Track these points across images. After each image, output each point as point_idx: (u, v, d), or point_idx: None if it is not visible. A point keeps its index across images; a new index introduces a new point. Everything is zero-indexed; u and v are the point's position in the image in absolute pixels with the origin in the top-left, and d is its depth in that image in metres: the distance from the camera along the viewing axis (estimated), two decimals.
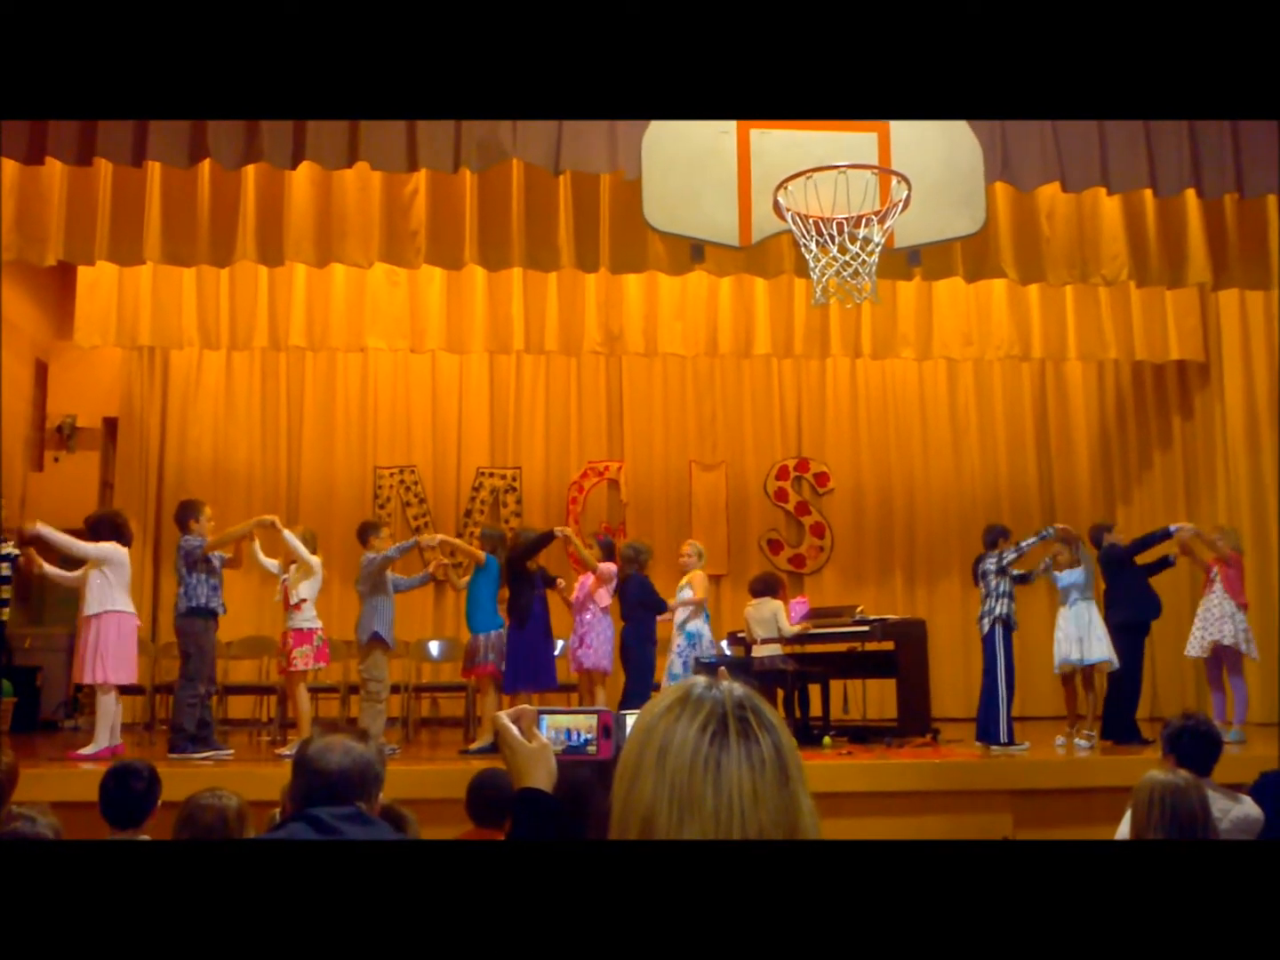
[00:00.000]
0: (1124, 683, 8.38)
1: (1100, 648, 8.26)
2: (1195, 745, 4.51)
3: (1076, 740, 8.08)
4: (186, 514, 7.84)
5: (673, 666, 8.37)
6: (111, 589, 7.41)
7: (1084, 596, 8.40)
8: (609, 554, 8.72)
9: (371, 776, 2.55)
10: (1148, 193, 8.38)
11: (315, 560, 7.89)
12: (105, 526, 7.66)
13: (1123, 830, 4.25)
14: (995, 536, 8.38)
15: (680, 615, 8.54)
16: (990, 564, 8.16)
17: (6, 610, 7.84)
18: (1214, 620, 8.43)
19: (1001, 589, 8.05)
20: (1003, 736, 7.78)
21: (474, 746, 7.97)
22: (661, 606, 8.57)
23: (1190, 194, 8.37)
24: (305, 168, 7.82)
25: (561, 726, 1.93)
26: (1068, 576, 8.49)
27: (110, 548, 7.51)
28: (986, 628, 8.06)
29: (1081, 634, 8.29)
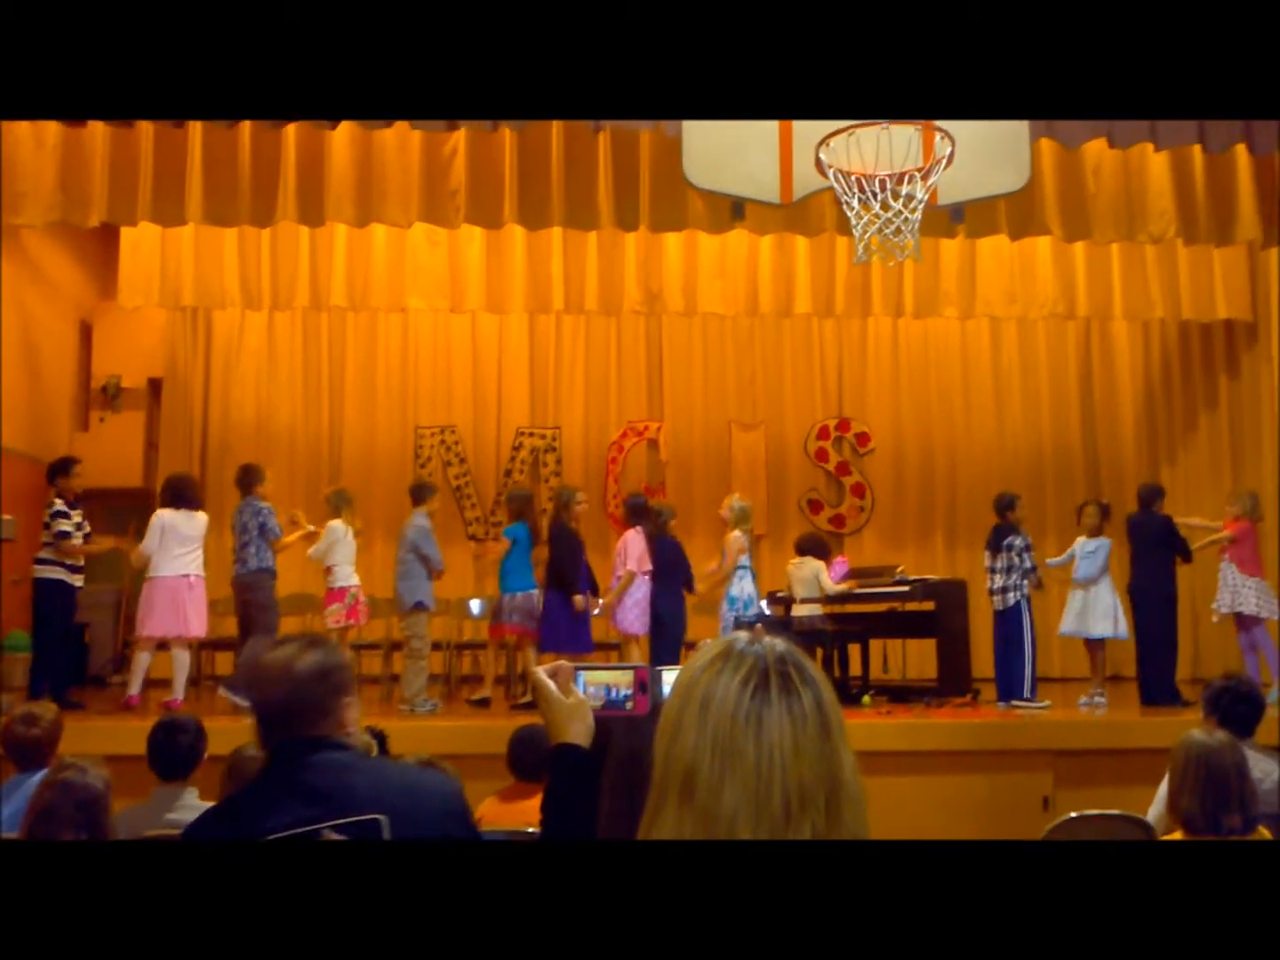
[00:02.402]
0: (1162, 648, 8.42)
1: (1106, 624, 8.48)
2: (1236, 707, 4.50)
3: (1095, 699, 8.27)
4: (252, 479, 8.11)
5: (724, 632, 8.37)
6: (157, 556, 7.72)
7: (1104, 570, 8.56)
8: (638, 514, 8.68)
9: (324, 691, 2.25)
10: (1196, 149, 8.25)
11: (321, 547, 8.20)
12: (163, 494, 8.02)
13: (1162, 790, 4.24)
14: (1005, 506, 8.64)
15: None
16: (1019, 542, 8.39)
17: (81, 575, 8.08)
18: (1226, 589, 8.58)
19: (1028, 564, 8.32)
20: (1027, 692, 8.09)
21: (524, 700, 8.08)
22: (690, 584, 8.59)
23: (1240, 149, 8.23)
24: (345, 127, 7.84)
25: (599, 682, 1.94)
26: (1091, 547, 8.62)
27: (156, 518, 7.80)
28: (1012, 601, 8.30)
29: (1100, 607, 8.49)
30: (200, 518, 7.92)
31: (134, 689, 7.70)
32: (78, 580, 8.03)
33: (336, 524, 8.20)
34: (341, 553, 8.16)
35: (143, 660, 7.80)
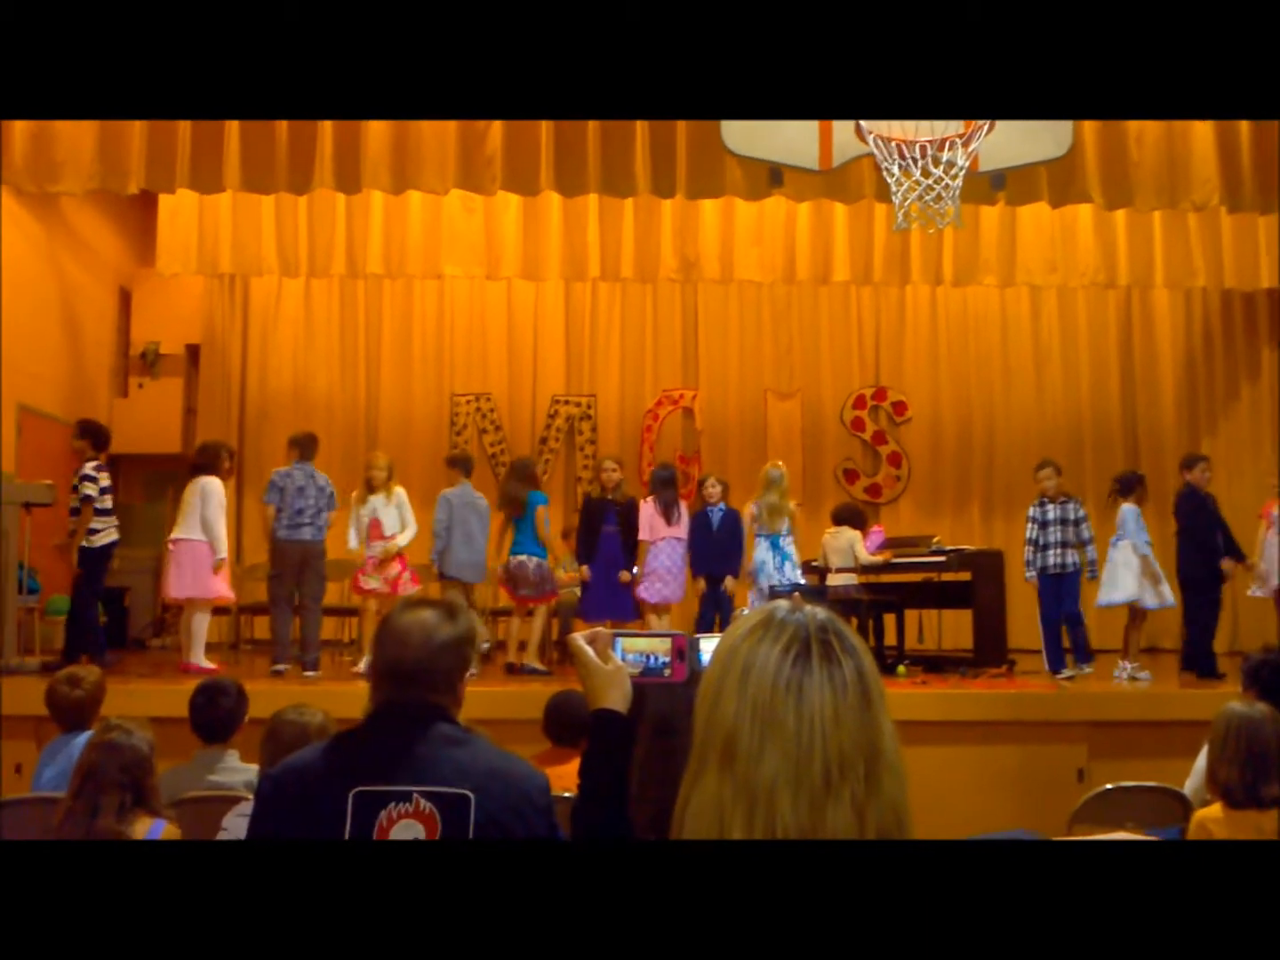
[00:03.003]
0: (1190, 621, 8.38)
1: (1121, 592, 8.32)
2: (1276, 679, 4.47)
3: (1138, 674, 8.17)
4: (318, 450, 8.29)
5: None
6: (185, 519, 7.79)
7: (1128, 537, 8.38)
8: (663, 485, 8.66)
9: (455, 662, 2.36)
10: None
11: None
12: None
13: (1199, 763, 4.23)
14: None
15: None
16: (1067, 513, 8.32)
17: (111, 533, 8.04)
18: (1271, 561, 8.42)
19: (1027, 535, 8.33)
20: (1045, 664, 8.14)
21: (523, 665, 8.18)
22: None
23: None
24: None
25: (637, 650, 1.94)
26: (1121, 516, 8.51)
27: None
28: (1029, 576, 8.38)
29: (1115, 575, 8.36)
30: (196, 483, 7.83)
31: (186, 656, 7.76)
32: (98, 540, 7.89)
33: (402, 490, 8.29)
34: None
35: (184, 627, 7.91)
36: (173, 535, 7.79)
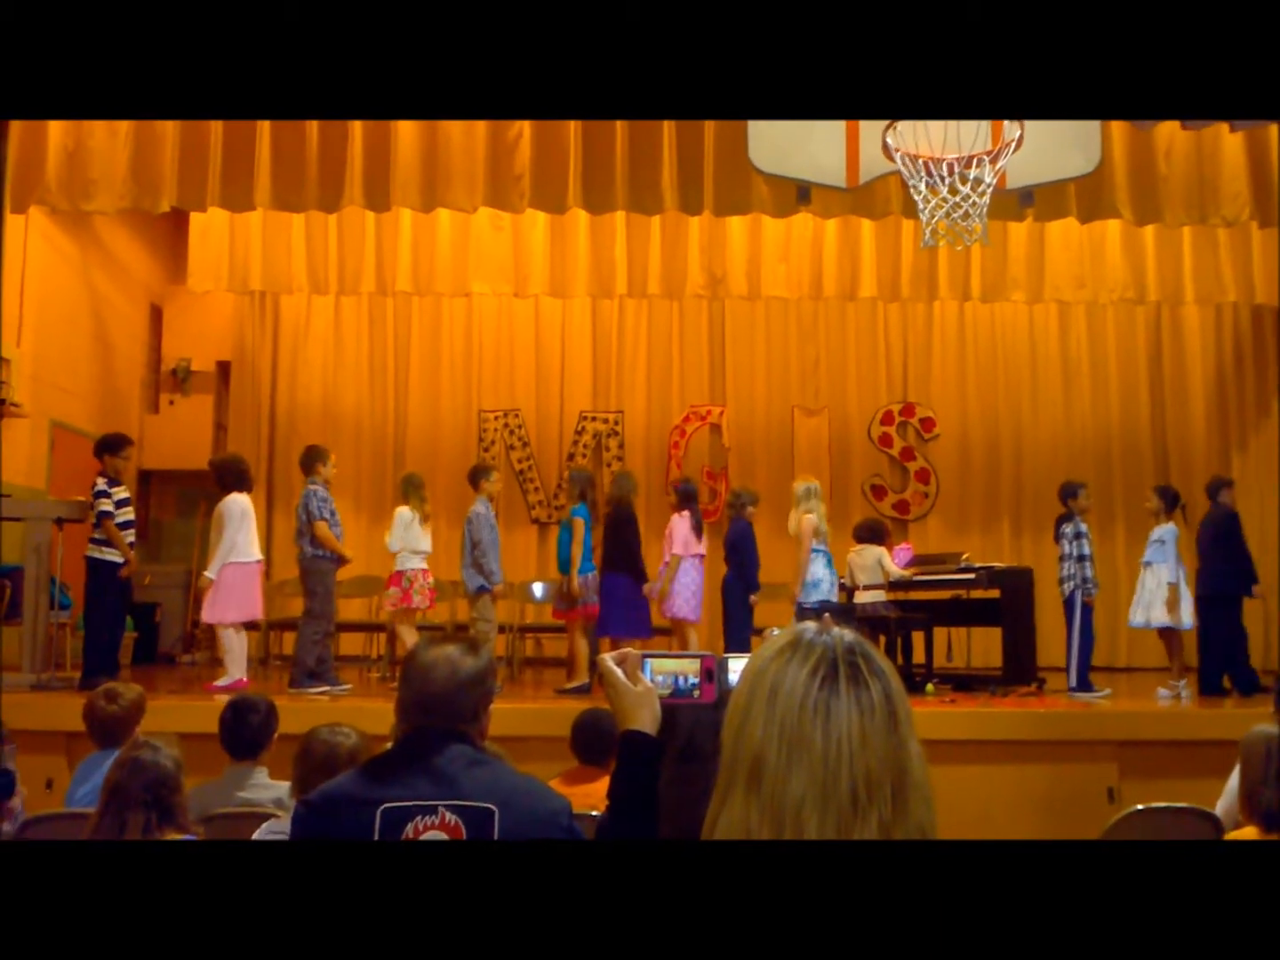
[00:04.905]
0: (1211, 644, 8.36)
1: (1174, 614, 8.30)
2: None
3: (1162, 691, 8.14)
4: (313, 459, 8.07)
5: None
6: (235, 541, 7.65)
7: (1161, 558, 8.36)
8: (687, 499, 8.65)
9: (480, 695, 2.44)
10: (1273, 129, 8.08)
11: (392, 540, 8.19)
12: (231, 475, 7.85)
13: (1232, 784, 4.18)
14: (1066, 494, 8.55)
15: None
16: (1069, 530, 8.31)
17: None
18: None
19: (1080, 553, 8.20)
20: (1073, 681, 8.06)
21: (570, 686, 8.08)
22: (753, 580, 8.43)
23: None
24: None
25: (666, 670, 1.94)
26: (1156, 535, 8.48)
27: (236, 502, 7.73)
28: (1067, 591, 8.24)
29: (1149, 598, 8.38)
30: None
31: (242, 671, 7.71)
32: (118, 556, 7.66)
33: (400, 509, 8.30)
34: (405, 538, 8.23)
35: (237, 641, 7.82)
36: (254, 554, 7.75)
